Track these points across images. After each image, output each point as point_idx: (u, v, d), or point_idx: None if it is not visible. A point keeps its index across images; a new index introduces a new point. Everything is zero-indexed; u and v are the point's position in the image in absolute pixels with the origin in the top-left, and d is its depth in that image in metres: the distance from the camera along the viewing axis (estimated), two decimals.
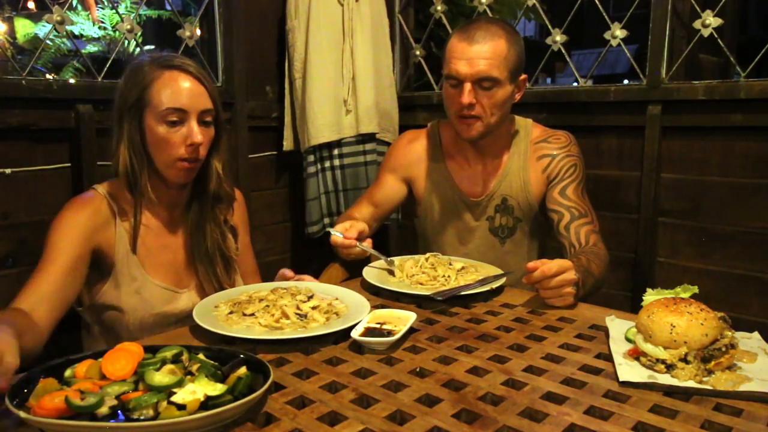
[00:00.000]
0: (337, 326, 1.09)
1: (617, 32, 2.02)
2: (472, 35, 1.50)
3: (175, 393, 0.78)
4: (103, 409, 0.75)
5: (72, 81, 1.85)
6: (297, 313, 1.13)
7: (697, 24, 1.87)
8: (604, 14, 2.03)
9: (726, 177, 1.86)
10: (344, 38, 2.20)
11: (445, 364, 0.99)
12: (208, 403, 0.78)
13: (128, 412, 0.75)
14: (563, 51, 2.16)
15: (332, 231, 1.50)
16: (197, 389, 0.79)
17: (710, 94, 1.81)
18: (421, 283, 1.39)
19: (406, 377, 0.93)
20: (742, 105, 1.78)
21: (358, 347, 1.05)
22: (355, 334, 1.04)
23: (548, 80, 10.17)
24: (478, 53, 1.48)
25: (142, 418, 0.75)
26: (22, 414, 0.72)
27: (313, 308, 1.16)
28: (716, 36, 1.85)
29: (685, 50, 1.95)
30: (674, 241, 1.98)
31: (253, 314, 1.13)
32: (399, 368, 0.96)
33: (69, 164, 1.76)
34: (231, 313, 1.15)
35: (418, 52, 2.51)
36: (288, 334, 1.06)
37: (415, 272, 1.43)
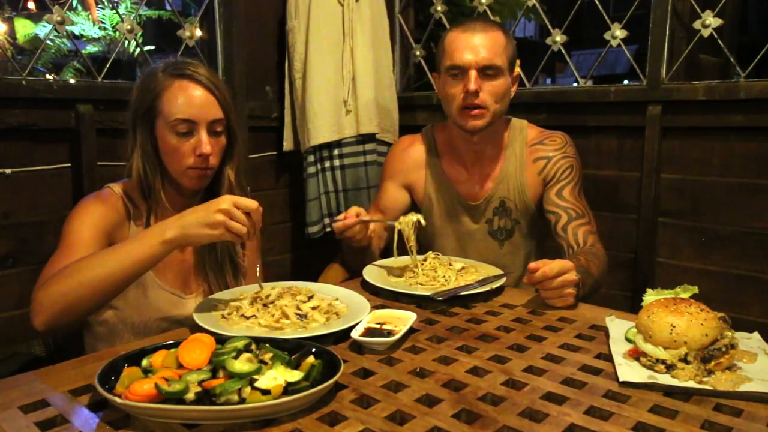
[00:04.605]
0: (337, 326, 1.09)
1: (617, 32, 2.02)
2: (472, 27, 1.54)
3: (256, 380, 0.81)
4: (190, 395, 0.79)
5: (72, 81, 1.85)
6: (297, 313, 1.13)
7: (697, 24, 1.87)
8: (604, 14, 2.03)
9: (726, 177, 1.86)
10: (344, 38, 2.20)
11: (445, 364, 0.99)
12: (288, 388, 0.82)
13: (214, 398, 0.79)
14: (563, 51, 2.16)
15: (333, 221, 1.49)
16: (277, 375, 0.82)
17: (710, 94, 1.81)
18: (421, 284, 1.39)
19: (406, 377, 0.93)
20: (742, 105, 1.78)
21: (358, 347, 1.05)
22: (355, 334, 1.04)
23: (548, 80, 10.17)
24: (481, 42, 1.52)
25: (232, 401, 0.79)
26: (118, 400, 0.77)
27: (313, 308, 1.16)
28: (716, 36, 1.85)
29: (685, 50, 1.95)
30: (674, 242, 1.98)
31: (253, 315, 1.13)
32: (399, 368, 0.96)
33: (69, 164, 1.76)
34: (230, 313, 1.15)
35: (418, 53, 2.51)
36: (288, 334, 1.06)
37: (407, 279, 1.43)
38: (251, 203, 1.12)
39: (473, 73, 1.51)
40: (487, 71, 1.52)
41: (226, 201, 1.10)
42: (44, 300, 1.09)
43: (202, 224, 1.10)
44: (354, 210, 1.47)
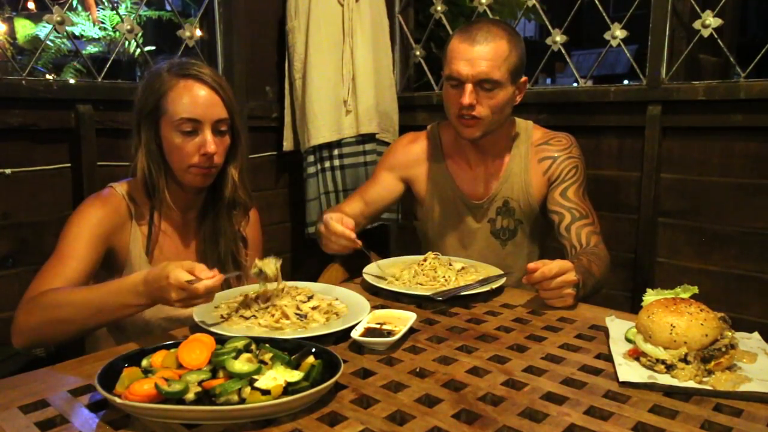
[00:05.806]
0: (337, 326, 1.09)
1: (617, 32, 2.02)
2: (474, 36, 1.49)
3: (256, 380, 0.81)
4: (190, 395, 0.79)
5: (72, 81, 1.85)
6: (297, 314, 1.13)
7: (697, 24, 1.87)
8: (604, 14, 2.03)
9: (726, 177, 1.86)
10: (344, 38, 2.20)
11: (445, 364, 0.99)
12: (288, 388, 0.81)
13: (214, 398, 0.79)
14: (563, 51, 2.16)
15: (329, 218, 1.42)
16: (277, 376, 0.83)
17: (710, 94, 1.81)
18: (421, 284, 1.39)
19: (406, 377, 0.93)
20: (742, 105, 1.78)
21: (358, 347, 1.05)
22: (355, 334, 1.04)
23: (548, 80, 10.14)
24: (480, 54, 1.48)
25: (232, 401, 0.79)
26: (118, 400, 0.76)
27: (313, 308, 1.16)
28: (716, 36, 1.85)
29: (685, 50, 1.95)
30: (674, 241, 1.98)
31: (253, 315, 1.13)
32: (399, 368, 0.96)
33: (69, 164, 1.76)
34: (230, 313, 1.15)
35: (418, 53, 2.51)
36: (288, 334, 1.06)
37: (407, 279, 1.41)
38: (198, 288, 1.02)
39: (469, 87, 1.49)
40: (484, 84, 1.49)
41: (172, 293, 1.03)
42: (23, 326, 1.14)
43: (165, 300, 1.07)
44: (352, 222, 1.42)
